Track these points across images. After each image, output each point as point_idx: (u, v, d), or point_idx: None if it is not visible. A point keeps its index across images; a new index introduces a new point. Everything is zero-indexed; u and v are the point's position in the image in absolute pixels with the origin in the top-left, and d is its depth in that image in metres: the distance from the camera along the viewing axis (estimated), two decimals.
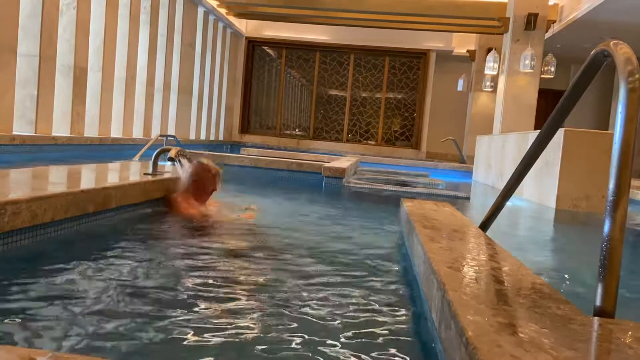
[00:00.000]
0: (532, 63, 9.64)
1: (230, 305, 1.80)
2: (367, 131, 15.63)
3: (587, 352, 0.97)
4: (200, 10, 12.41)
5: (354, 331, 1.63)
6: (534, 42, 9.72)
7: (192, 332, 1.52)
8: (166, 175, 3.53)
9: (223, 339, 1.50)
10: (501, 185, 4.23)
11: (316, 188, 5.84)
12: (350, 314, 1.82)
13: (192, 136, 12.73)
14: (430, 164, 12.18)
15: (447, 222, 2.53)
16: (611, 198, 1.30)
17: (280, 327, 1.62)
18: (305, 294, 2.01)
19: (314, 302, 1.93)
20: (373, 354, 1.49)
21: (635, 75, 1.33)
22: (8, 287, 1.82)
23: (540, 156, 2.21)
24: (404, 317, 1.86)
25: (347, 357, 1.45)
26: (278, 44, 15.67)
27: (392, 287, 2.30)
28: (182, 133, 11.78)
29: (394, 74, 15.42)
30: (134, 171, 3.81)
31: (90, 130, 8.66)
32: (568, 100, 1.90)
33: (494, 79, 12.66)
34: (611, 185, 1.31)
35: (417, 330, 1.73)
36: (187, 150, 4.21)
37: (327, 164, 6.10)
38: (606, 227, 1.30)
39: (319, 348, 1.48)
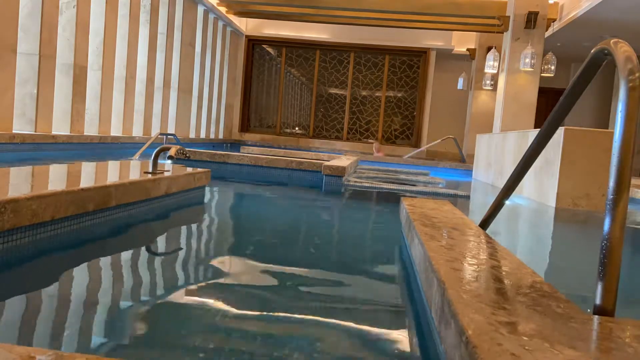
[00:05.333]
0: (532, 61, 9.63)
1: (225, 296, 1.80)
2: (367, 130, 15.62)
3: (587, 351, 0.97)
4: (200, 9, 12.40)
5: (352, 330, 1.63)
6: (534, 41, 9.72)
7: (187, 323, 1.53)
8: (166, 174, 3.53)
9: (219, 332, 1.50)
10: (501, 183, 4.22)
11: (316, 187, 5.84)
12: (349, 312, 1.82)
13: (192, 134, 12.73)
14: (431, 162, 12.19)
15: (447, 220, 2.53)
16: (611, 196, 1.30)
17: (276, 324, 1.62)
18: (303, 292, 2.01)
19: (312, 300, 1.93)
20: (372, 353, 1.49)
21: (635, 73, 1.33)
22: (8, 285, 1.82)
23: (540, 155, 2.21)
24: (404, 316, 1.86)
25: (346, 356, 1.45)
26: (278, 43, 15.66)
27: (392, 285, 2.30)
28: (182, 131, 11.78)
29: (394, 73, 15.41)
30: (134, 170, 3.81)
31: (90, 128, 8.67)
32: (568, 98, 1.90)
33: (494, 78, 12.65)
34: (611, 183, 1.31)
35: (416, 328, 1.73)
36: (187, 149, 4.21)
37: (327, 163, 6.10)
38: (606, 226, 1.29)
39: (317, 347, 1.48)
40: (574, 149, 5.33)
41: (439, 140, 13.62)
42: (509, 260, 1.73)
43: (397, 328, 1.73)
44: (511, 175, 2.29)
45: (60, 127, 7.85)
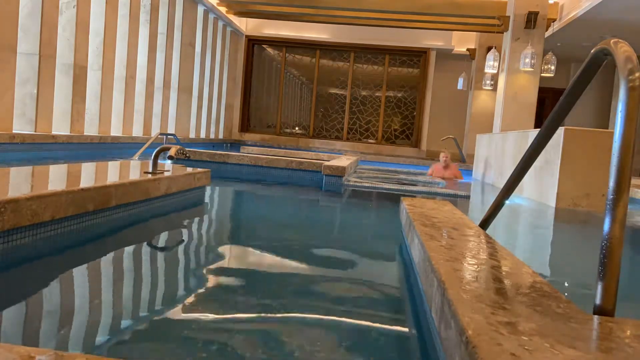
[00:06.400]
0: (532, 61, 9.63)
1: (226, 296, 1.80)
2: (367, 130, 15.62)
3: (587, 351, 0.97)
4: (200, 9, 12.40)
5: (352, 330, 1.63)
6: (534, 41, 9.72)
7: (189, 324, 1.52)
8: (166, 174, 3.52)
9: (220, 331, 1.50)
10: (501, 183, 4.22)
11: (316, 187, 5.84)
12: (349, 312, 1.82)
13: (192, 135, 12.73)
14: (431, 162, 12.18)
15: (447, 220, 2.53)
16: (611, 196, 1.30)
17: (277, 324, 1.62)
18: (303, 292, 2.01)
19: (313, 300, 1.93)
20: (373, 353, 1.49)
21: (635, 73, 1.33)
22: (8, 285, 1.82)
23: (540, 155, 2.21)
24: (404, 316, 1.86)
25: (347, 356, 1.45)
26: (278, 43, 15.65)
27: (392, 285, 2.30)
28: (181, 131, 11.78)
29: (394, 73, 15.40)
30: (134, 170, 3.81)
31: (90, 128, 8.66)
32: (568, 98, 1.90)
33: (494, 78, 12.65)
34: (611, 183, 1.31)
35: (417, 329, 1.73)
36: (187, 149, 4.21)
37: (326, 163, 6.10)
38: (606, 226, 1.29)
39: (317, 347, 1.48)
40: (574, 149, 5.32)
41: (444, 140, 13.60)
42: (509, 260, 1.73)
43: (397, 328, 1.73)
44: (511, 175, 2.29)
45: (60, 127, 7.84)
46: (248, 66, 15.76)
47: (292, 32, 15.17)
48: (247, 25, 15.42)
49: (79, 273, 2.06)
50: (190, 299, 1.81)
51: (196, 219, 3.60)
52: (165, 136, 8.64)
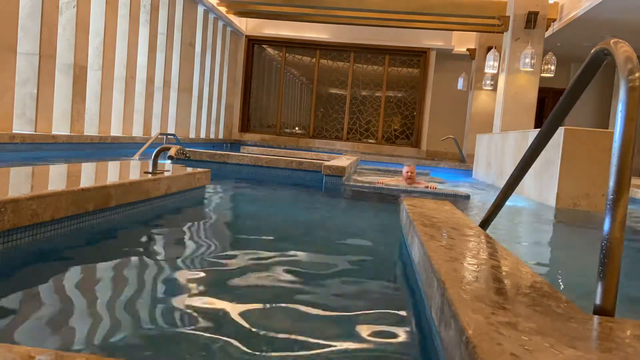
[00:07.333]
0: (532, 61, 9.63)
1: (225, 296, 1.80)
2: (367, 130, 15.62)
3: (587, 351, 0.97)
4: (200, 9, 12.40)
5: (352, 330, 1.63)
6: (534, 41, 9.72)
7: (194, 325, 1.52)
8: (166, 174, 3.52)
9: (219, 331, 1.50)
10: (501, 183, 4.23)
11: (316, 187, 5.84)
12: (349, 312, 1.82)
13: (192, 134, 12.73)
14: (431, 162, 12.19)
15: (447, 220, 2.53)
16: (611, 197, 1.30)
17: (277, 325, 1.62)
18: (303, 291, 2.01)
19: (313, 300, 1.93)
20: (373, 353, 1.49)
21: (635, 73, 1.33)
22: (8, 285, 1.82)
23: (540, 155, 2.21)
24: (404, 316, 1.86)
25: (346, 356, 1.45)
26: (278, 43, 15.66)
27: (392, 285, 2.30)
28: (182, 131, 11.78)
29: (394, 73, 15.40)
30: (134, 170, 3.81)
31: (90, 128, 8.66)
32: (568, 98, 1.90)
33: (494, 78, 12.65)
34: (611, 183, 1.31)
35: (417, 329, 1.73)
36: (187, 149, 4.21)
37: (327, 163, 6.10)
38: (606, 226, 1.29)
39: (317, 347, 1.48)
40: (574, 149, 5.33)
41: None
42: (509, 260, 1.73)
43: (397, 328, 1.73)
44: (511, 175, 2.29)
45: (60, 127, 7.84)
46: (248, 66, 15.76)
47: (292, 32, 15.17)
48: (247, 25, 15.42)
49: (79, 273, 2.06)
50: (190, 299, 1.81)
51: (196, 219, 3.60)
52: (165, 136, 8.65)
